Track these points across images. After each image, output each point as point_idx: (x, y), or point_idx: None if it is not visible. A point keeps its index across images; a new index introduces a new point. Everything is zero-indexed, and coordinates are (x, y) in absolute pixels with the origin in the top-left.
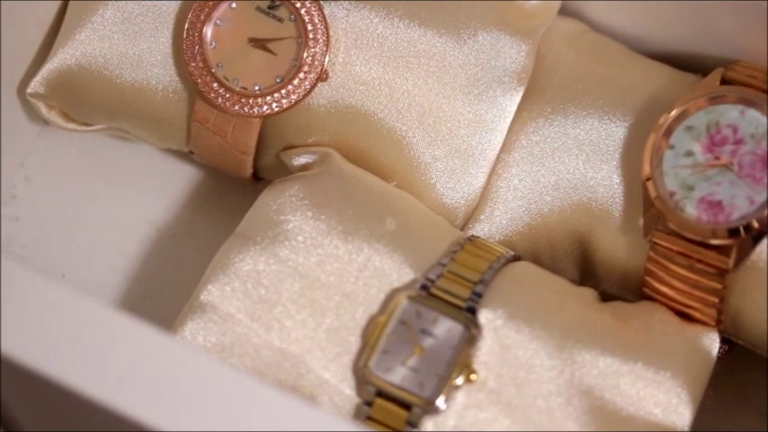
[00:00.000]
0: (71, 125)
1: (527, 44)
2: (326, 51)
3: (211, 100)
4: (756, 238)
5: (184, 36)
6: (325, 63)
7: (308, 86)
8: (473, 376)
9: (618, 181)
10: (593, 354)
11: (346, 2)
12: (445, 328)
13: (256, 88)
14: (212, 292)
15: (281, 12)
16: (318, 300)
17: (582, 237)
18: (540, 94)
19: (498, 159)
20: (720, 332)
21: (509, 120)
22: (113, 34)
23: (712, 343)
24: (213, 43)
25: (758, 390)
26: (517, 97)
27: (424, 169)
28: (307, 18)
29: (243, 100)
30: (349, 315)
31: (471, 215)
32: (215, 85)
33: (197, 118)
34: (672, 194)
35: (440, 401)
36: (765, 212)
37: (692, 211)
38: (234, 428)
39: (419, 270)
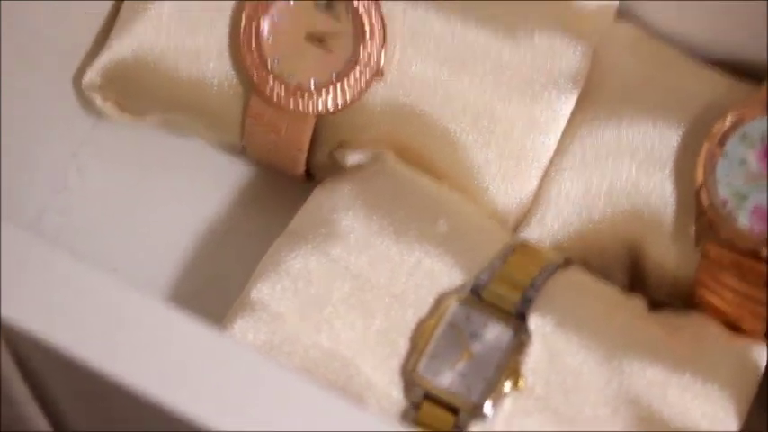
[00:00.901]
0: (126, 116)
1: (583, 46)
2: (383, 49)
3: (266, 95)
4: None
5: (241, 30)
6: (382, 61)
7: (364, 84)
8: (521, 382)
9: (671, 189)
10: (642, 364)
11: (403, 0)
12: (494, 333)
13: (312, 83)
14: (262, 290)
15: (339, 8)
16: (368, 301)
17: (633, 244)
18: (596, 97)
19: (551, 163)
20: None
21: (563, 123)
22: (170, 26)
23: (761, 356)
24: (270, 38)
25: None
26: (572, 100)
27: (477, 171)
28: (364, 15)
29: (298, 96)
30: (399, 317)
31: (523, 219)
32: (270, 79)
33: (251, 114)
34: (724, 203)
35: (487, 406)
36: None
37: (744, 221)
38: (281, 427)
39: (470, 273)
